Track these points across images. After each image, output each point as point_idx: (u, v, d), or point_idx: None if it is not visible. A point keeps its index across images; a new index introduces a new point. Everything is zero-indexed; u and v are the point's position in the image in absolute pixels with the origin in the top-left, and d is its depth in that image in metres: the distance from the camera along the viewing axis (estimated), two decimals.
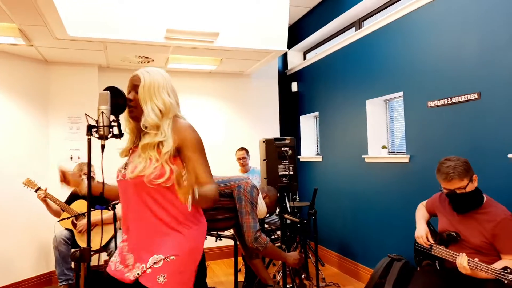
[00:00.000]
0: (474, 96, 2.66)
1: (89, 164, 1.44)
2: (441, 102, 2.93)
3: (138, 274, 1.43)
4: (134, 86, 1.50)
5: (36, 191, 3.41)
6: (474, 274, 1.95)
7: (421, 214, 2.47)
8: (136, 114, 1.50)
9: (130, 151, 1.58)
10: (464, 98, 2.74)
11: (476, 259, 1.95)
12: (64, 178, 1.67)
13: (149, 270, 1.41)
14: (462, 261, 1.97)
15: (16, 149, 3.84)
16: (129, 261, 1.48)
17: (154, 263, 1.41)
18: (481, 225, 2.06)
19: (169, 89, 1.53)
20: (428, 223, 2.43)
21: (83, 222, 3.50)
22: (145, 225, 1.45)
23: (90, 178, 1.43)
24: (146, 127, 1.46)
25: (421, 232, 2.33)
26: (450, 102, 2.85)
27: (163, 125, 1.46)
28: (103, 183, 1.64)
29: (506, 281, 1.78)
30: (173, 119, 1.50)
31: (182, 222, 1.47)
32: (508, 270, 1.79)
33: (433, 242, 2.27)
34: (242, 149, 4.53)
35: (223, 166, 4.78)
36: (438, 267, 2.26)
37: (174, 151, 1.45)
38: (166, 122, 1.47)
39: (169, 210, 1.45)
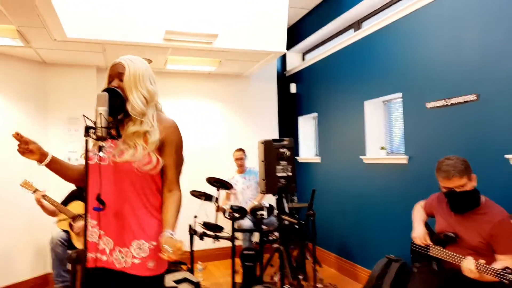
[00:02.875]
0: (472, 97, 2.67)
1: (86, 165, 1.43)
2: (440, 103, 2.93)
3: (124, 263, 1.48)
4: (119, 74, 1.54)
5: (33, 193, 3.40)
6: (481, 278, 1.90)
7: (418, 214, 2.46)
8: None
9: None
10: (463, 99, 2.74)
11: (483, 261, 1.88)
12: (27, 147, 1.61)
13: (137, 261, 1.48)
14: (470, 265, 1.90)
15: (15, 151, 3.81)
16: (106, 246, 1.51)
17: (139, 248, 1.49)
18: (479, 226, 2.06)
19: (151, 77, 1.59)
20: (426, 224, 2.42)
21: (79, 224, 3.46)
22: (131, 208, 1.51)
23: (87, 177, 1.43)
24: (133, 115, 1.51)
25: (419, 232, 2.32)
26: (448, 104, 2.86)
27: (148, 113, 1.53)
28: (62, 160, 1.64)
29: (507, 282, 1.77)
30: (156, 112, 1.58)
31: (157, 209, 1.58)
32: (508, 271, 1.78)
33: (430, 243, 2.26)
34: (240, 150, 4.57)
35: (221, 167, 4.79)
36: (435, 268, 2.26)
37: (159, 142, 1.54)
38: (150, 110, 1.55)
39: (150, 196, 1.55)
